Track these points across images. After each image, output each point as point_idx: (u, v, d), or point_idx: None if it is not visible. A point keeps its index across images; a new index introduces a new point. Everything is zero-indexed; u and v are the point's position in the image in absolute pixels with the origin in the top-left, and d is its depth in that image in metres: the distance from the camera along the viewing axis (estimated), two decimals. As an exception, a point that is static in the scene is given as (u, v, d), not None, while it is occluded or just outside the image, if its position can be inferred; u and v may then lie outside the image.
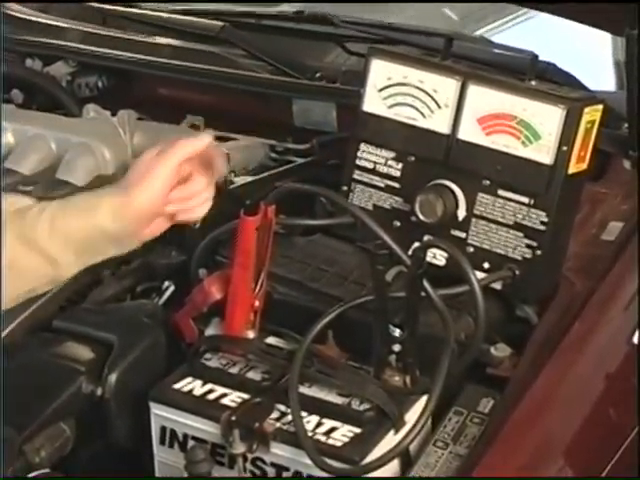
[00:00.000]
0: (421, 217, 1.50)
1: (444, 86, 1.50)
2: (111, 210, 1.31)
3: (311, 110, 1.88)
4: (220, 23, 2.01)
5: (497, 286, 1.48)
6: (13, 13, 2.21)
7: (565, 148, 1.43)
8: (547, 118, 1.43)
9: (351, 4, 2.24)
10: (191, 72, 1.97)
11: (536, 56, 1.52)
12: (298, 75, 1.94)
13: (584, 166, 1.47)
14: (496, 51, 1.83)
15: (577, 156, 1.45)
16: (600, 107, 1.46)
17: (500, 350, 1.46)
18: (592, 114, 1.45)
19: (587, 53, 2.14)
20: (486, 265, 1.49)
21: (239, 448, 1.34)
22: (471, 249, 1.50)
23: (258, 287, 1.48)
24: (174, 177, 1.33)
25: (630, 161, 1.61)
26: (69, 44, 2.10)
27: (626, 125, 1.59)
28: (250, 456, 1.36)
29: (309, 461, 1.31)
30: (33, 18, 2.20)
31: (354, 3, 2.26)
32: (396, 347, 1.40)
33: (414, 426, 1.32)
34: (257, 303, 1.49)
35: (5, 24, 2.14)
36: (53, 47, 2.11)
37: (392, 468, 1.34)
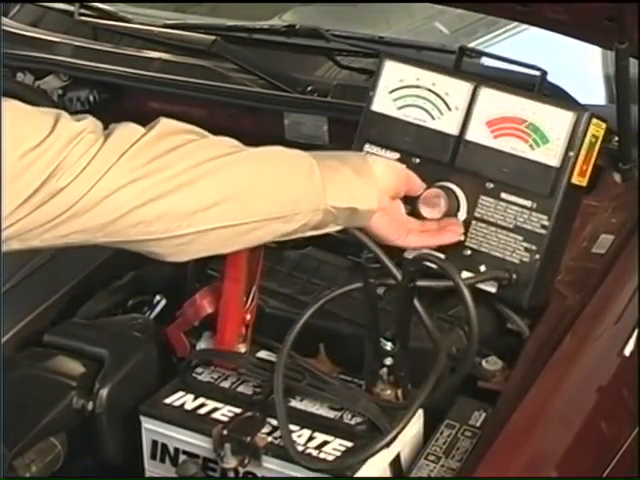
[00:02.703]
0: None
1: (456, 89, 1.50)
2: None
3: (302, 124, 1.88)
4: (211, 37, 2.01)
5: (492, 289, 1.48)
6: (5, 27, 2.21)
7: (572, 153, 1.44)
8: (557, 122, 1.44)
9: (342, 18, 2.25)
10: (182, 86, 1.97)
11: (545, 72, 1.53)
12: (289, 89, 1.94)
13: (584, 182, 1.48)
14: (499, 66, 1.81)
15: (580, 168, 1.45)
16: (604, 125, 1.47)
17: (491, 363, 1.46)
18: (597, 129, 1.45)
19: (577, 67, 2.14)
20: (482, 268, 1.49)
21: (231, 462, 1.34)
22: (468, 252, 1.50)
23: (249, 301, 1.48)
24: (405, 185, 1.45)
25: (620, 174, 1.61)
26: (60, 58, 2.10)
27: (616, 138, 1.59)
28: (242, 470, 1.36)
29: (301, 475, 1.31)
30: (24, 32, 2.20)
31: (346, 16, 2.27)
32: (388, 360, 1.40)
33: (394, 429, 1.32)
34: (248, 317, 1.49)
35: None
36: (44, 61, 2.10)
37: (384, 482, 1.34)
